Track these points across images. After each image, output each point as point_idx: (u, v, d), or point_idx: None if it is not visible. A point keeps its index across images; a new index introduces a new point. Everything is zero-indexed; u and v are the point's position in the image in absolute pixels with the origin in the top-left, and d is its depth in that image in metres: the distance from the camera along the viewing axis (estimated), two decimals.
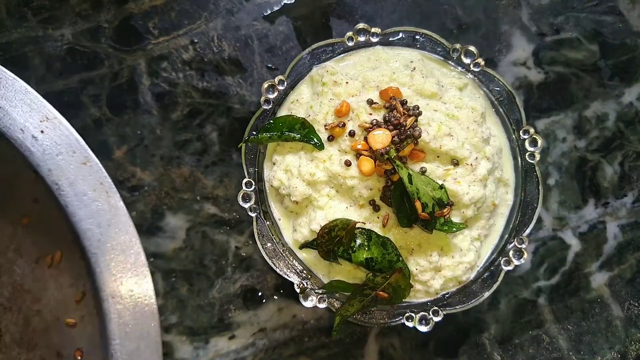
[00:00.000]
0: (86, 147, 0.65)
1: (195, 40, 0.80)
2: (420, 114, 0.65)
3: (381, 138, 0.63)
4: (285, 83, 0.70)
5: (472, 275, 0.69)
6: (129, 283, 0.62)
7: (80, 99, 0.78)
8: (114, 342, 0.61)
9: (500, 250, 0.70)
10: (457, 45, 0.71)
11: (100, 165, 0.64)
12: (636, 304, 0.80)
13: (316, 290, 0.67)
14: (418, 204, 0.61)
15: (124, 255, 0.63)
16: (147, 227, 0.77)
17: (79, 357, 0.68)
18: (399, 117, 0.64)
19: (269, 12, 0.81)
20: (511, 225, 0.70)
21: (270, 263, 0.68)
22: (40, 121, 0.63)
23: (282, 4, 0.81)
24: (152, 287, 0.63)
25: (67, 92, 0.78)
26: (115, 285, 0.62)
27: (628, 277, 0.80)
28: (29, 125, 0.63)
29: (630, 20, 0.83)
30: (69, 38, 0.79)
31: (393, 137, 0.63)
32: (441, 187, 0.63)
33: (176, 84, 0.80)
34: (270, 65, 0.80)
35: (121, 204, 0.64)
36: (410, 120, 0.63)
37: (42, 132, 0.63)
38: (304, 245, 0.67)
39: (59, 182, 0.63)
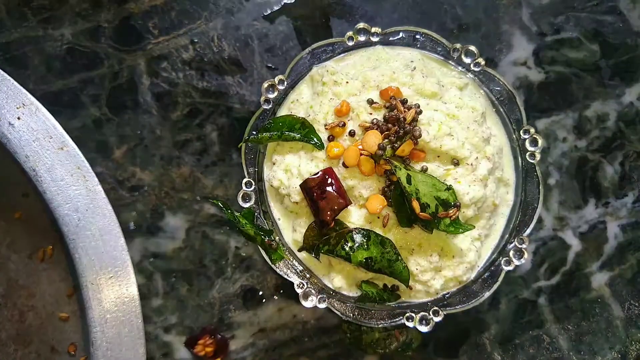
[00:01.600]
0: (63, 132, 0.63)
1: (195, 40, 0.80)
2: (421, 112, 0.64)
3: (372, 139, 0.62)
4: (285, 83, 0.70)
5: (472, 275, 0.69)
6: (109, 269, 0.61)
7: (80, 99, 0.78)
8: (94, 329, 0.61)
9: (501, 250, 0.70)
10: (458, 45, 0.71)
11: (77, 149, 0.63)
12: (636, 304, 0.80)
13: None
14: (415, 204, 0.61)
15: (102, 241, 0.62)
16: (147, 227, 0.77)
17: (73, 352, 0.67)
18: (399, 114, 0.64)
19: (269, 12, 0.81)
20: (511, 225, 0.70)
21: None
22: (17, 108, 0.63)
23: (282, 3, 0.81)
24: (132, 272, 0.62)
25: (67, 92, 0.78)
26: (94, 271, 0.61)
27: (628, 277, 0.80)
28: (5, 113, 0.63)
29: (630, 20, 0.83)
30: (69, 38, 0.79)
31: (390, 135, 0.63)
32: (449, 188, 0.63)
33: (176, 84, 0.80)
34: (270, 65, 0.80)
35: (99, 187, 0.63)
36: (410, 113, 0.63)
37: (18, 118, 0.62)
38: (303, 248, 0.67)
39: (36, 168, 0.62)
